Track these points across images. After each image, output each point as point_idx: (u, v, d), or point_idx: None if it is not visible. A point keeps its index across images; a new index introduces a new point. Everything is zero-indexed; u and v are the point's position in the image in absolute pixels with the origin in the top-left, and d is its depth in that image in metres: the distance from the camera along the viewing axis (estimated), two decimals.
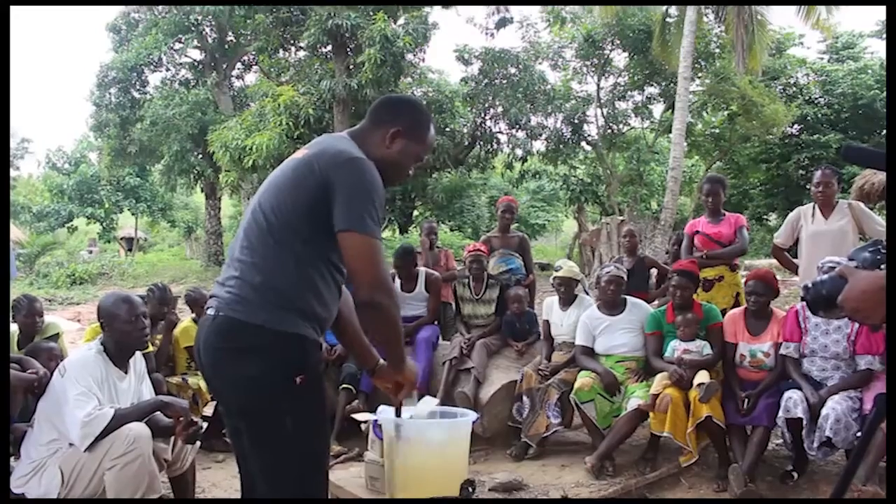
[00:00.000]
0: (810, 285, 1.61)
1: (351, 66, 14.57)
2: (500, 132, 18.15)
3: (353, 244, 1.90)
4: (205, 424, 3.61)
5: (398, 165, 2.15)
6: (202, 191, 22.54)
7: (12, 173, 31.10)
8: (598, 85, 18.92)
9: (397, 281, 5.41)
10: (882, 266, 1.59)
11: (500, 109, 17.27)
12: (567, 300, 4.90)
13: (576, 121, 18.35)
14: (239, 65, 22.54)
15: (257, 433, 1.98)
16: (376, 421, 3.38)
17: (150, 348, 4.34)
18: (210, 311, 2.01)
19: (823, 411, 3.53)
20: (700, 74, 17.64)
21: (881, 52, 20.99)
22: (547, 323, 4.96)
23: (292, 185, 1.99)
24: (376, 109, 2.19)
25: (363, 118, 2.21)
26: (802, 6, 14.20)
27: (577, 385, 4.30)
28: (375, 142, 2.11)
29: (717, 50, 17.39)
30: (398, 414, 2.43)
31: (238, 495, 3.89)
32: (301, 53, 17.07)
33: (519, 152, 18.20)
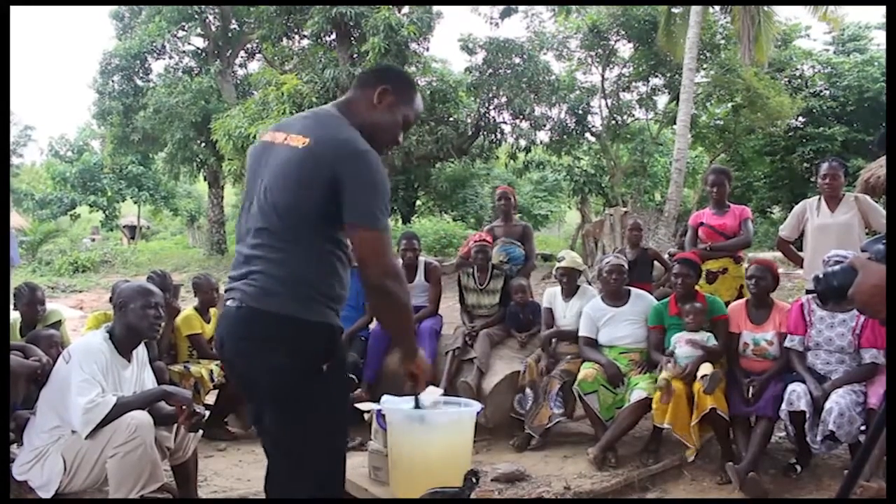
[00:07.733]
0: (821, 276, 1.59)
1: (355, 55, 14.52)
2: (503, 122, 18.03)
3: (363, 238, 1.95)
4: (207, 413, 3.61)
5: (388, 126, 2.17)
6: (205, 179, 22.53)
7: (15, 161, 31.12)
8: (603, 76, 18.85)
9: None
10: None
11: (504, 99, 17.15)
12: (569, 291, 4.90)
13: (580, 111, 18.28)
14: (242, 53, 22.48)
15: (284, 418, 2.02)
16: (380, 411, 3.37)
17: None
18: (232, 304, 2.03)
19: (827, 405, 3.51)
20: (705, 66, 17.53)
21: None
22: (549, 311, 4.96)
23: (302, 182, 1.97)
24: (361, 76, 2.26)
25: None
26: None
27: (580, 376, 4.30)
28: (364, 105, 2.15)
29: (723, 41, 17.29)
30: (417, 405, 2.56)
31: (240, 484, 3.94)
32: (305, 42, 16.99)
33: (523, 143, 18.13)
